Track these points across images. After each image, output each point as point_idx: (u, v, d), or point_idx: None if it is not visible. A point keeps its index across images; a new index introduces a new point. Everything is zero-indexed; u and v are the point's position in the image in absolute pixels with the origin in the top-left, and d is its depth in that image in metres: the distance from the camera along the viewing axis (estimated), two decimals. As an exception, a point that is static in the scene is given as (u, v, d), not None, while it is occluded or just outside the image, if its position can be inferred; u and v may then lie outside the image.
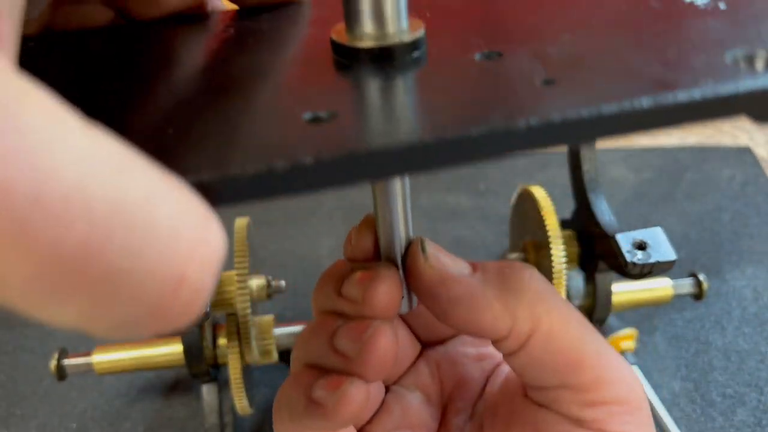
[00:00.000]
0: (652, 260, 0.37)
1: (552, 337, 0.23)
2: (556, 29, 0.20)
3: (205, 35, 0.22)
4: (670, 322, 0.53)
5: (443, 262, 0.23)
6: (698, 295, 0.49)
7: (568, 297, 0.45)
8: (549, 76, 0.17)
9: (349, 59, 0.19)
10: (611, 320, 0.51)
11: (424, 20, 0.20)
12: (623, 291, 0.48)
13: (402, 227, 0.24)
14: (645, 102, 0.15)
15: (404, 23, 0.19)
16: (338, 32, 0.19)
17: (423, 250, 0.23)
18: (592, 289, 0.46)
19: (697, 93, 0.16)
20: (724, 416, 0.46)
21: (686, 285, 0.49)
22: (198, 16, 0.23)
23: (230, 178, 0.13)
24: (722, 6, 0.21)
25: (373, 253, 0.24)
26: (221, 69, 0.19)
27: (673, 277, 0.48)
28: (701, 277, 0.49)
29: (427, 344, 0.29)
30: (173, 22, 0.23)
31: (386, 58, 0.19)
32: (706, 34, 0.19)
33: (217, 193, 0.13)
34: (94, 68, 0.20)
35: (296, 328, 0.45)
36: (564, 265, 0.42)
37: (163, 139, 0.15)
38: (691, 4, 0.21)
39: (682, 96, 0.16)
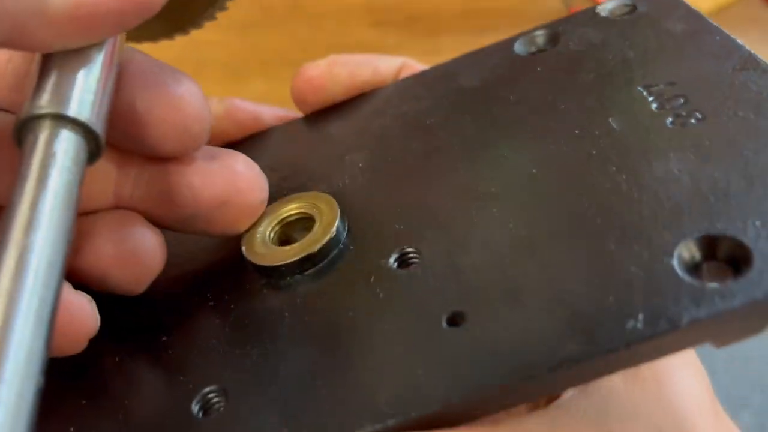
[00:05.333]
0: None
1: None
2: (482, 213, 0.17)
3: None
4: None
5: None
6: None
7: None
8: (459, 307, 0.15)
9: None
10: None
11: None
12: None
13: None
14: (547, 368, 0.13)
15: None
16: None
17: None
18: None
19: (620, 341, 0.13)
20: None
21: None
22: None
23: None
24: (694, 120, 0.17)
25: None
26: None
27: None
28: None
29: None
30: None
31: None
32: (660, 197, 0.15)
33: None
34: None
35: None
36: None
37: None
38: (659, 118, 0.18)
39: (600, 348, 0.13)
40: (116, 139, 0.17)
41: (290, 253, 0.18)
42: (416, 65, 0.25)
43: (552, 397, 0.17)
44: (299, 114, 0.25)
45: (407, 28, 0.69)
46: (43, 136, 0.14)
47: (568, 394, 0.17)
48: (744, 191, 0.15)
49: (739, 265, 0.13)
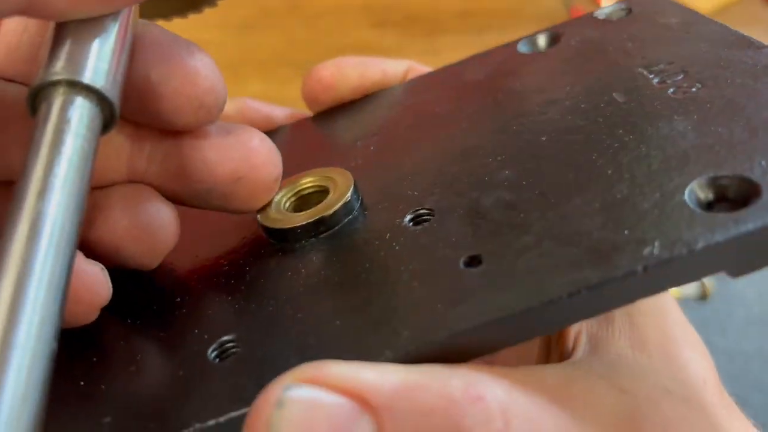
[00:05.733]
0: None
1: None
2: (497, 163, 0.18)
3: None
4: (674, 323, 0.53)
5: None
6: (702, 297, 0.49)
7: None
8: (476, 251, 0.15)
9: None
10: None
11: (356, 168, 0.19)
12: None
13: None
14: (569, 294, 0.13)
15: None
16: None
17: None
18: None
19: (638, 266, 0.13)
20: (728, 418, 0.46)
21: (691, 286, 0.49)
22: None
23: None
24: (695, 89, 0.18)
25: None
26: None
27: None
28: (705, 278, 0.49)
29: None
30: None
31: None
32: (668, 150, 0.16)
33: None
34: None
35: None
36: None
37: None
38: (661, 91, 0.18)
39: (619, 272, 0.13)
40: (131, 112, 0.17)
41: (304, 217, 0.18)
42: (421, 68, 0.25)
43: (563, 357, 0.18)
44: (308, 113, 0.26)
45: (406, 28, 0.69)
46: (57, 103, 0.14)
47: (579, 354, 0.17)
48: (748, 141, 0.15)
49: (749, 201, 0.14)
